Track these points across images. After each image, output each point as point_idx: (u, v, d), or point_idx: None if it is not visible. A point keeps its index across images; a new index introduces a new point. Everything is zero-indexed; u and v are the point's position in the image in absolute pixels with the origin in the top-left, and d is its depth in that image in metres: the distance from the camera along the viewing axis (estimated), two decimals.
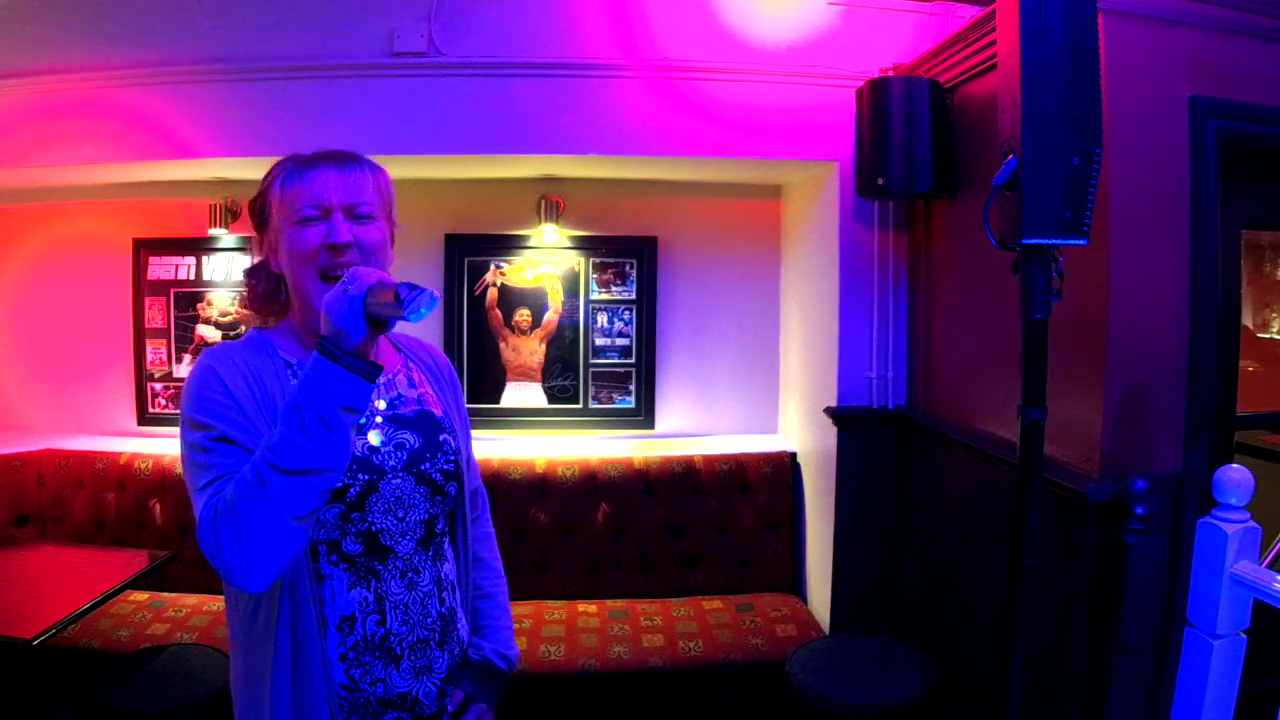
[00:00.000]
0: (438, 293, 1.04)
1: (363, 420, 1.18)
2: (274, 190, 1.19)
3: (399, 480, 1.19)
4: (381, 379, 1.25)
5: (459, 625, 1.29)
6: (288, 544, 0.99)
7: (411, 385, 1.30)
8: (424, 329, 2.87)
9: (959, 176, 2.48)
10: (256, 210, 1.23)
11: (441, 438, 1.26)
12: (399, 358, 1.33)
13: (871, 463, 2.78)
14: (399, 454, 1.20)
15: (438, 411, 1.29)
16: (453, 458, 1.26)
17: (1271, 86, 1.93)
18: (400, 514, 1.19)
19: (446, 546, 1.29)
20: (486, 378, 3.36)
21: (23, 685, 2.62)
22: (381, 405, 1.23)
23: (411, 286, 0.96)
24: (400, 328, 1.18)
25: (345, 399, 0.99)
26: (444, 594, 1.25)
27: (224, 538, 0.98)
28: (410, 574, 1.20)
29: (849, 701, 2.20)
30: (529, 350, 3.37)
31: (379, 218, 1.20)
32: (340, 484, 1.10)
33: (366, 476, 1.15)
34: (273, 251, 1.21)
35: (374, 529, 1.16)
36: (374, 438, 1.19)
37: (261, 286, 1.25)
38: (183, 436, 1.10)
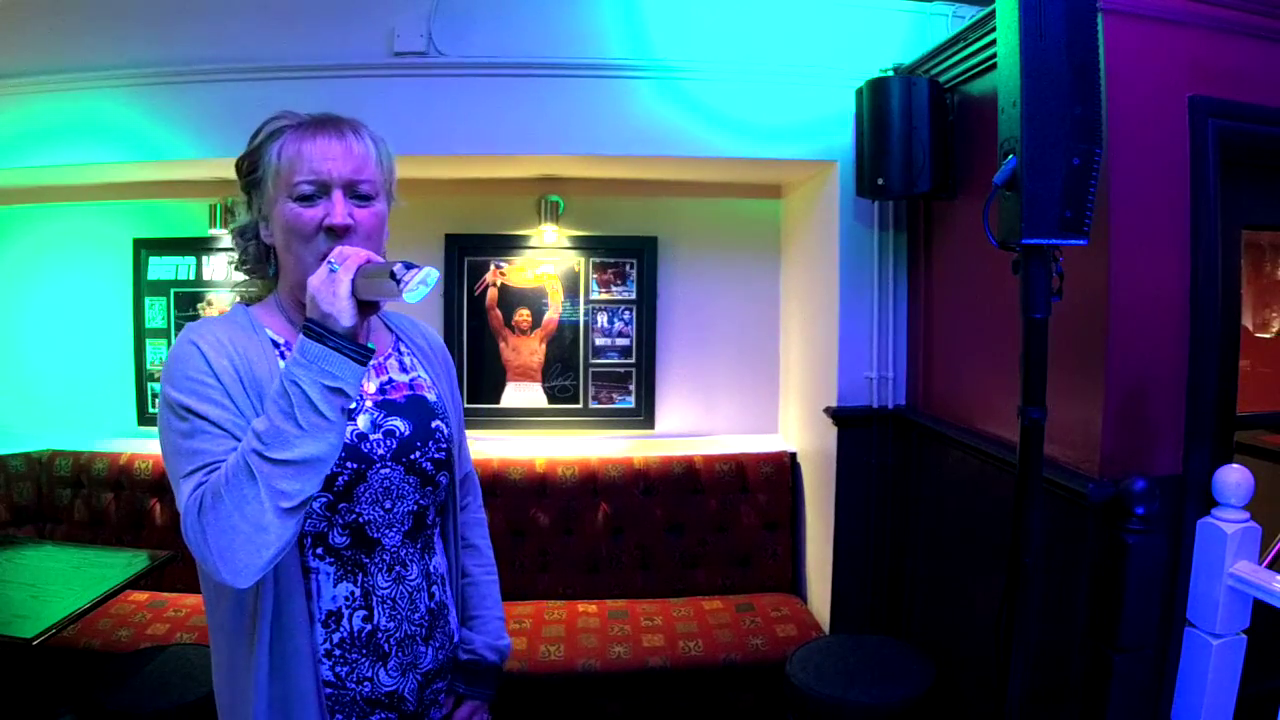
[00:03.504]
0: (438, 269, 0.96)
1: (353, 404, 1.12)
2: (269, 155, 1.10)
3: (387, 469, 1.13)
4: (373, 361, 1.17)
5: (450, 620, 1.26)
6: (276, 537, 0.93)
7: (403, 369, 1.24)
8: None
9: (959, 176, 2.47)
10: (246, 170, 1.14)
11: (434, 424, 1.20)
12: (390, 338, 1.27)
13: (871, 463, 2.78)
14: (388, 441, 1.14)
15: (431, 396, 1.23)
16: (445, 445, 1.21)
17: (1271, 86, 1.93)
18: (388, 505, 1.13)
19: (436, 539, 1.25)
20: (486, 378, 3.35)
21: (23, 685, 2.62)
22: (372, 388, 1.17)
23: (408, 265, 0.90)
24: (394, 305, 1.13)
25: (336, 382, 0.94)
26: (433, 588, 1.21)
27: (209, 531, 0.93)
28: (398, 567, 1.15)
29: (849, 701, 2.20)
30: (529, 350, 3.37)
31: (379, 196, 1.13)
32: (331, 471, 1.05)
33: (355, 465, 1.10)
34: (264, 219, 1.13)
35: (361, 520, 1.11)
36: (362, 422, 1.13)
37: (254, 249, 1.17)
38: (162, 419, 1.03)
